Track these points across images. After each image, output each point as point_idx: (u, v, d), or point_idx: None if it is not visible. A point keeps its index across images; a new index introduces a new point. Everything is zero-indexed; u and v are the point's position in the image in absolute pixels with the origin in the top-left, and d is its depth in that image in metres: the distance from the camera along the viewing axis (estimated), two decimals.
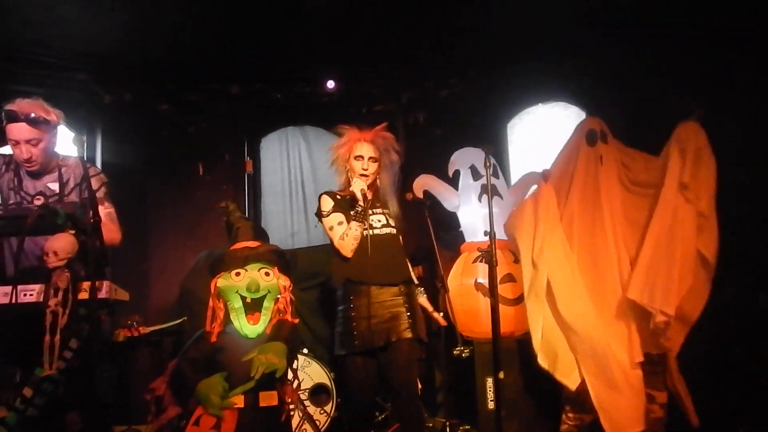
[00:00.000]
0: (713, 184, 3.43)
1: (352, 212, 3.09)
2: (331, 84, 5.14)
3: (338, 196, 3.23)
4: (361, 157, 3.18)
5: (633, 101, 4.38)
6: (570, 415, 3.63)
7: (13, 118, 2.76)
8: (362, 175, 3.16)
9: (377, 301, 3.03)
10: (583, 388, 3.43)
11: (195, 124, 5.13)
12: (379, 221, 3.21)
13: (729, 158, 3.50)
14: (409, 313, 3.07)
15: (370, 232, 3.09)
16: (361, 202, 3.05)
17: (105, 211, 2.96)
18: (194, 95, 5.06)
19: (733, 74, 3.87)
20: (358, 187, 3.08)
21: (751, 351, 3.66)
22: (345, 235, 3.07)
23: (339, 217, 3.15)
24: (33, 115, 2.78)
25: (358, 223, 3.06)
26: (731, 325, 3.73)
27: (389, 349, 2.99)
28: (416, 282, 3.36)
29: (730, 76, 3.88)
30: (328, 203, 3.20)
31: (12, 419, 2.32)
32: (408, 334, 3.00)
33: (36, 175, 2.95)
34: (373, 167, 3.19)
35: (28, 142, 2.80)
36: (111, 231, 2.92)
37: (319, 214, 3.21)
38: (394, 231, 3.23)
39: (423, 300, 3.36)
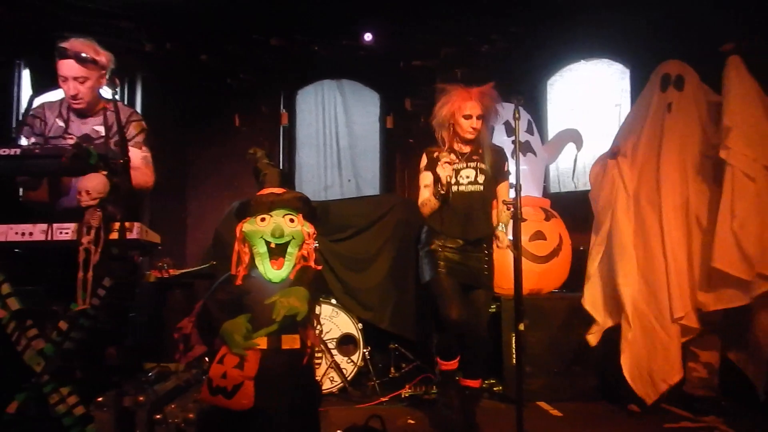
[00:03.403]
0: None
1: (437, 191, 3.23)
2: (368, 36, 5.09)
3: (435, 154, 3.34)
4: (470, 116, 3.27)
5: (679, 59, 4.20)
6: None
7: (64, 54, 2.87)
8: (470, 132, 3.29)
9: (460, 247, 3.26)
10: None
11: (233, 75, 5.16)
12: (467, 177, 3.30)
13: None
14: (486, 266, 3.31)
15: (456, 188, 3.26)
16: (443, 187, 3.18)
17: (141, 155, 3.05)
18: (233, 46, 5.09)
19: None
20: (444, 173, 3.16)
21: None
22: (424, 202, 3.32)
23: (427, 178, 3.36)
24: (83, 54, 2.88)
25: (437, 200, 3.24)
26: None
27: (468, 293, 3.25)
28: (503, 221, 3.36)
29: None
30: (423, 161, 3.41)
31: (49, 350, 2.44)
32: (484, 287, 3.29)
33: (83, 117, 3.05)
34: (479, 125, 3.30)
35: (75, 79, 2.91)
36: (145, 175, 3.01)
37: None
38: (481, 188, 3.31)
39: (500, 232, 3.35)
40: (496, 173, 3.35)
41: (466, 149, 3.35)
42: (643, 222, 3.52)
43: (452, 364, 3.28)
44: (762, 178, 3.26)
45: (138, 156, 2.94)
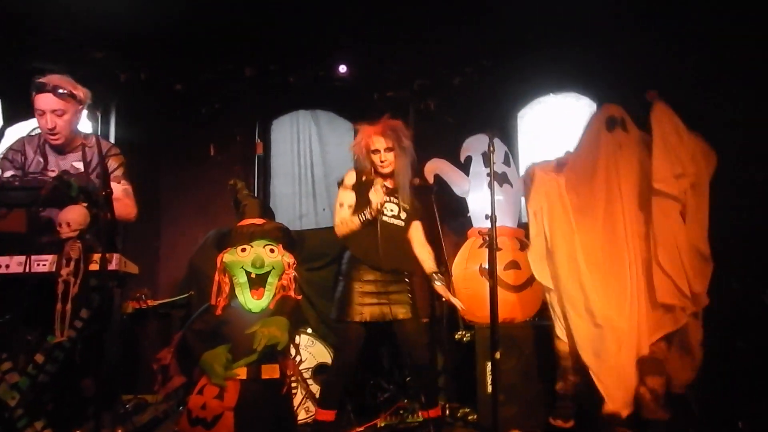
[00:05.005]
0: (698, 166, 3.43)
1: (362, 215, 3.23)
2: (342, 68, 5.17)
3: (364, 178, 3.34)
4: (377, 150, 3.31)
5: (643, 94, 4.37)
6: (565, 376, 3.66)
7: (41, 88, 2.89)
8: (382, 166, 3.31)
9: (379, 278, 3.22)
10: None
11: (208, 104, 5.18)
12: (391, 211, 3.34)
13: (733, 154, 3.50)
14: (408, 296, 3.31)
15: (381, 218, 3.23)
16: (372, 211, 3.19)
17: (122, 187, 3.07)
18: (208, 76, 5.11)
19: (750, 67, 3.85)
20: (376, 198, 3.19)
21: (754, 346, 3.64)
22: (343, 221, 3.28)
23: (349, 198, 3.32)
24: (60, 87, 2.90)
25: (360, 222, 3.23)
26: (735, 321, 3.70)
27: (396, 327, 3.26)
28: (435, 269, 3.44)
29: (746, 69, 3.87)
30: (350, 178, 3.37)
31: (24, 383, 2.41)
32: (408, 315, 3.25)
33: (61, 152, 3.05)
34: (389, 157, 3.32)
35: (53, 112, 2.92)
36: (127, 206, 3.03)
37: (340, 183, 3.38)
38: (402, 224, 3.36)
39: (439, 287, 3.42)
40: (414, 212, 3.43)
41: (390, 184, 3.37)
42: (604, 253, 3.60)
43: (329, 415, 3.22)
44: (688, 196, 3.41)
45: (119, 189, 2.96)
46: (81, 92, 2.99)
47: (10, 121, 3.96)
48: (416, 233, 3.48)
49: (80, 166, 2.99)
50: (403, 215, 3.38)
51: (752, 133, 3.75)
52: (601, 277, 3.55)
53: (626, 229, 3.55)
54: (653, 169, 3.42)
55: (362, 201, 3.28)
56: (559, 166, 3.74)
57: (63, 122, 2.94)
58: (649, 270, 3.52)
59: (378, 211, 3.16)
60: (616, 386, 3.39)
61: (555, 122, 5.15)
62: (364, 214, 3.20)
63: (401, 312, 3.24)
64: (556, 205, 3.65)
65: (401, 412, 3.81)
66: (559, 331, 3.57)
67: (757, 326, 3.65)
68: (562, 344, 3.54)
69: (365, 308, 3.18)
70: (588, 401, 3.45)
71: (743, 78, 3.87)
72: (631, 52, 4.45)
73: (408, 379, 4.01)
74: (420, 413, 3.44)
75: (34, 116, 3.04)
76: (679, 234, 3.40)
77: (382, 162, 3.31)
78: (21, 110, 3.56)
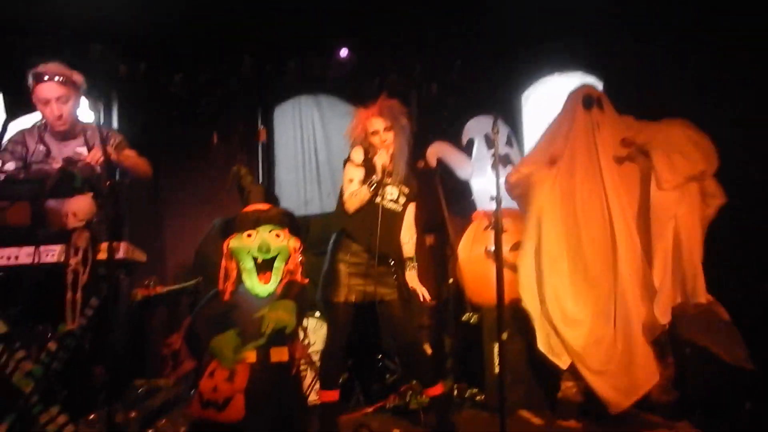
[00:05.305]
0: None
1: (370, 182, 3.23)
2: (344, 52, 5.14)
3: (371, 155, 3.32)
4: (377, 131, 3.29)
5: (649, 72, 4.35)
6: (567, 383, 3.68)
7: (42, 78, 2.91)
8: (384, 147, 3.28)
9: (367, 261, 3.22)
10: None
11: (209, 94, 5.16)
12: (391, 195, 3.33)
13: (732, 149, 3.49)
14: (394, 277, 3.32)
15: (382, 203, 3.24)
16: (378, 175, 3.20)
17: (132, 154, 3.18)
18: (208, 65, 5.10)
19: (750, 67, 3.84)
20: (380, 161, 3.21)
21: (754, 337, 3.62)
22: (355, 194, 3.24)
23: (359, 174, 3.29)
24: (60, 73, 2.92)
25: (369, 191, 3.20)
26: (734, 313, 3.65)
27: (380, 308, 3.24)
28: (411, 255, 3.46)
29: (746, 69, 3.86)
30: (358, 155, 3.32)
31: (38, 372, 2.45)
32: (394, 296, 3.26)
33: (63, 140, 3.07)
34: (389, 136, 3.30)
35: (58, 99, 2.94)
36: (144, 166, 3.19)
37: (347, 160, 3.35)
38: (399, 209, 3.36)
39: (410, 275, 3.43)
40: (411, 195, 3.42)
41: (389, 167, 3.31)
42: (588, 234, 3.59)
43: (332, 395, 3.22)
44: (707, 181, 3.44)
45: (132, 153, 3.10)
46: (77, 76, 3.03)
47: (12, 115, 3.98)
48: (407, 216, 3.47)
49: (83, 151, 3.03)
50: (402, 200, 3.36)
51: (752, 133, 3.75)
52: (583, 264, 3.57)
53: (609, 207, 3.55)
54: (657, 178, 3.44)
55: (371, 176, 3.27)
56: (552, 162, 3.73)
57: (68, 108, 2.99)
58: (641, 249, 3.52)
59: (384, 172, 3.18)
60: (608, 380, 3.42)
61: (560, 102, 5.11)
62: (372, 181, 3.20)
63: (387, 293, 3.24)
64: (555, 211, 3.66)
65: (409, 393, 3.84)
66: (541, 344, 3.60)
67: (757, 323, 3.63)
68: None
69: (352, 289, 3.20)
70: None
71: (743, 78, 3.86)
72: (634, 30, 4.43)
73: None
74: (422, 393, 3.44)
75: (35, 109, 3.07)
76: (682, 236, 3.43)
77: (383, 142, 3.29)
78: (22, 104, 3.58)
